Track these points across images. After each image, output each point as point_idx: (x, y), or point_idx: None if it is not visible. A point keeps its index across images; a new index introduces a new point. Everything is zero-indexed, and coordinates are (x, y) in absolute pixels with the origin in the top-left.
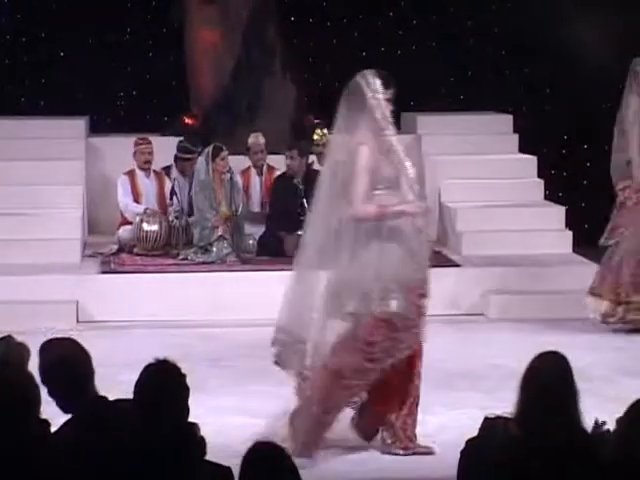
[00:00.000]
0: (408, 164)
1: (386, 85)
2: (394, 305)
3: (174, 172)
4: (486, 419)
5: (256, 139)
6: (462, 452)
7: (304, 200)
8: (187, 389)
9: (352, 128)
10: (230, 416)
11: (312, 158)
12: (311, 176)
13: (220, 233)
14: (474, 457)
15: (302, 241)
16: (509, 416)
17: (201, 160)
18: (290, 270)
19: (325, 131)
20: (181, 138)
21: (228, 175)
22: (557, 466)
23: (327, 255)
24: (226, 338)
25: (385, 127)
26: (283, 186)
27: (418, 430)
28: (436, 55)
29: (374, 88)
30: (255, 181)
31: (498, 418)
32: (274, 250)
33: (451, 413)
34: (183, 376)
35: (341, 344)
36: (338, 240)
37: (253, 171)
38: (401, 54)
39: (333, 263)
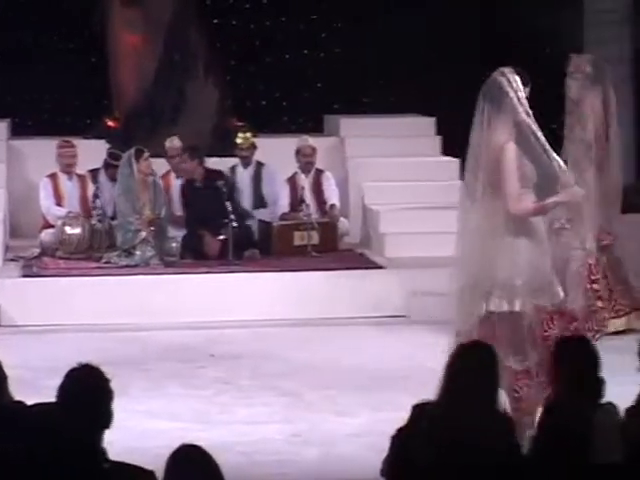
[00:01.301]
0: (557, 159)
1: (524, 82)
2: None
3: (102, 176)
4: (415, 406)
5: (172, 143)
6: (392, 437)
7: (226, 202)
8: (111, 393)
9: (492, 126)
10: (153, 420)
11: (236, 164)
12: (211, 177)
13: (143, 236)
14: (404, 441)
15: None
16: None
17: (123, 163)
18: (213, 273)
19: (248, 134)
20: (106, 142)
21: (151, 178)
22: (477, 450)
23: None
24: (149, 341)
25: (530, 123)
26: (195, 190)
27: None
28: (359, 58)
29: (515, 86)
30: (175, 184)
31: (426, 404)
32: (197, 251)
33: (375, 415)
34: (107, 380)
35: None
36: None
37: (172, 174)
38: (324, 57)
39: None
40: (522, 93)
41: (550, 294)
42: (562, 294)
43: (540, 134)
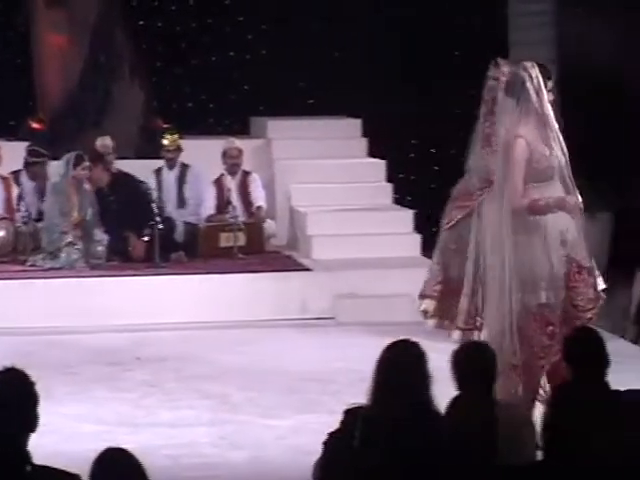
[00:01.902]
0: (564, 157)
1: (547, 77)
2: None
3: (23, 177)
4: (347, 410)
5: (104, 141)
6: (324, 443)
7: (152, 204)
8: (36, 397)
9: (514, 120)
10: (79, 423)
11: (161, 166)
12: (119, 181)
13: (70, 239)
14: (336, 447)
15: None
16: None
17: (60, 164)
18: (139, 275)
19: (175, 136)
20: (29, 143)
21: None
22: (408, 448)
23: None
24: (75, 345)
25: (549, 118)
26: (108, 194)
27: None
28: (285, 59)
29: (537, 81)
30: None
31: (359, 407)
32: (123, 254)
33: (301, 417)
34: (32, 384)
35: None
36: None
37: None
38: (250, 59)
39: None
40: (543, 87)
41: (535, 294)
42: (545, 298)
43: (558, 130)
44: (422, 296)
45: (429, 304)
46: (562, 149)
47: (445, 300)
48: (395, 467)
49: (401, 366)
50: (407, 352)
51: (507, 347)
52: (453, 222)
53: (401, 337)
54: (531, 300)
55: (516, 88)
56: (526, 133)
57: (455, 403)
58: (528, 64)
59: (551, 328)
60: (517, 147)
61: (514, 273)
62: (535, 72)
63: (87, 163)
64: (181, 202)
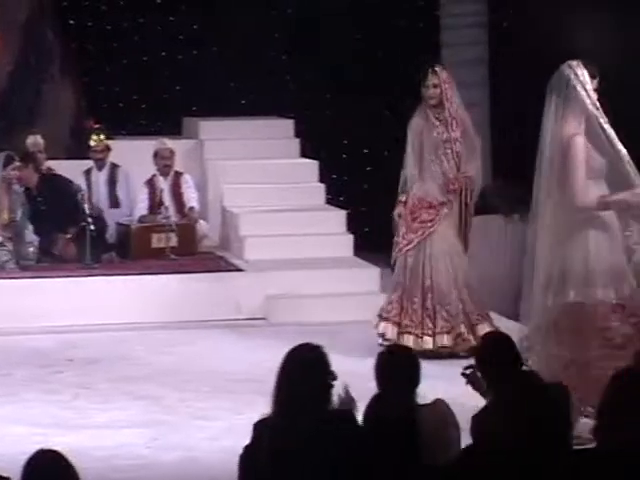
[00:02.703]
0: (624, 152)
1: (592, 75)
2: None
3: None
4: (257, 423)
5: (34, 140)
6: (240, 457)
7: (84, 205)
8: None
9: (560, 119)
10: (10, 425)
11: (90, 167)
12: (48, 181)
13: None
14: (251, 461)
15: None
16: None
17: None
18: (70, 276)
19: (102, 137)
20: None
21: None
22: (311, 449)
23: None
24: (6, 346)
25: (599, 116)
26: (36, 195)
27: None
28: (217, 60)
29: (583, 79)
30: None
31: (268, 418)
32: (54, 255)
33: (233, 418)
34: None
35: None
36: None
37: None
38: (182, 59)
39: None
40: (589, 85)
41: (617, 288)
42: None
43: (608, 127)
44: (380, 317)
45: (386, 327)
46: (614, 146)
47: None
48: (300, 476)
49: (301, 372)
50: (308, 357)
51: (550, 343)
52: (413, 244)
53: (322, 342)
54: (587, 296)
55: (562, 87)
56: (580, 131)
57: (374, 403)
58: (573, 63)
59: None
60: (577, 145)
61: (567, 269)
62: (581, 70)
63: (17, 163)
64: (113, 202)
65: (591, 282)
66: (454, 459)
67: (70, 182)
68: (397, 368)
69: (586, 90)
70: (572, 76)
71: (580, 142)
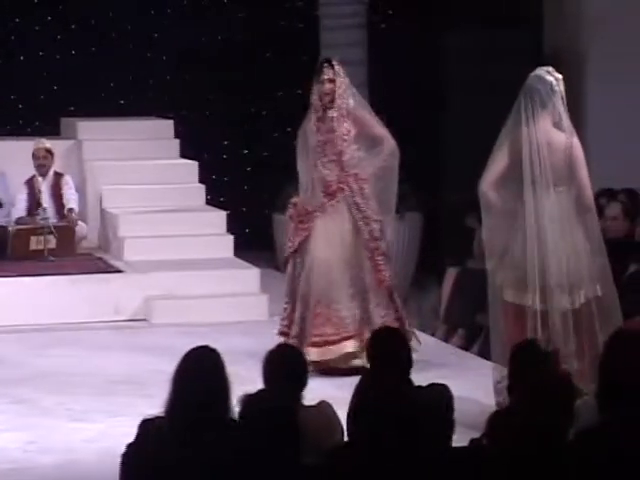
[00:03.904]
0: None
1: (557, 80)
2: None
3: None
4: (143, 421)
5: None
6: (122, 455)
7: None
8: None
9: (532, 121)
10: None
11: None
12: None
13: None
14: (133, 460)
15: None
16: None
17: None
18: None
19: None
20: None
21: None
22: (209, 459)
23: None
24: None
25: (563, 120)
26: None
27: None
28: (96, 60)
29: (561, 86)
30: None
31: (155, 418)
32: None
33: (111, 420)
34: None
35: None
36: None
37: None
38: (60, 58)
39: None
40: (557, 89)
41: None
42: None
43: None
44: (281, 333)
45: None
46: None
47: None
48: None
49: (195, 375)
50: (202, 360)
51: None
52: (294, 248)
53: (203, 343)
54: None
55: (542, 91)
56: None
57: (254, 399)
58: (551, 69)
59: None
60: (579, 146)
61: (576, 270)
62: (559, 77)
63: None
64: None
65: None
66: (326, 458)
67: None
68: (283, 366)
69: (562, 96)
70: (554, 82)
71: (579, 143)
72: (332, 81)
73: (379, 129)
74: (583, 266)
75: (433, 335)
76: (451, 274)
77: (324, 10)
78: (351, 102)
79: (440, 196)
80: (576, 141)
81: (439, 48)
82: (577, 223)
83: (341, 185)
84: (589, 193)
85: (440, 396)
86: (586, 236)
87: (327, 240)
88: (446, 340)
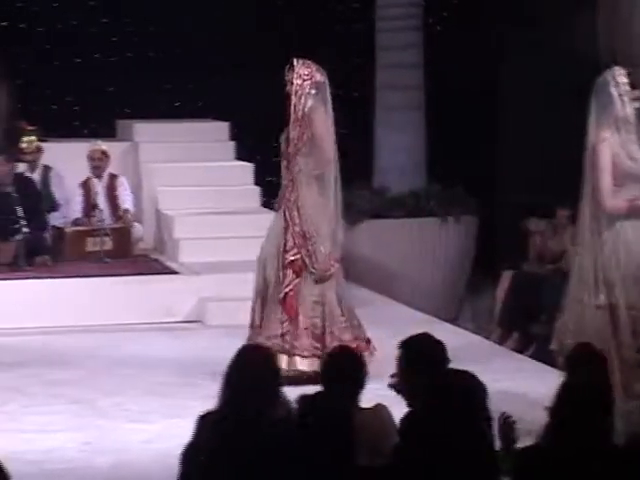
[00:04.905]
0: None
1: (632, 85)
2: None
3: None
4: (200, 417)
5: None
6: (182, 452)
7: (16, 207)
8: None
9: (594, 125)
10: None
11: (23, 167)
12: (22, 183)
13: None
14: (191, 455)
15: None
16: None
17: None
18: (2, 279)
19: (33, 137)
20: None
21: None
22: (248, 447)
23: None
24: None
25: (631, 125)
26: (7, 193)
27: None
28: (152, 62)
29: (623, 87)
30: None
31: (211, 413)
32: None
33: (167, 421)
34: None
35: None
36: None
37: None
38: (117, 61)
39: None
40: (629, 94)
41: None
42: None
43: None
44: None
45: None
46: None
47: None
48: (244, 471)
49: (246, 370)
50: (255, 357)
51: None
52: None
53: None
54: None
55: (601, 93)
56: (609, 136)
57: (312, 402)
58: (616, 70)
59: None
60: (603, 150)
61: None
62: (622, 79)
63: None
64: (48, 204)
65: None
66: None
67: (34, 185)
68: (341, 369)
69: (622, 98)
70: (612, 83)
71: (606, 146)
72: (292, 83)
73: (319, 139)
74: None
75: (488, 338)
76: (506, 277)
77: (379, 12)
78: (309, 103)
79: (496, 199)
80: (601, 146)
81: (494, 50)
82: None
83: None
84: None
85: (472, 385)
86: None
87: (268, 238)
88: (500, 343)
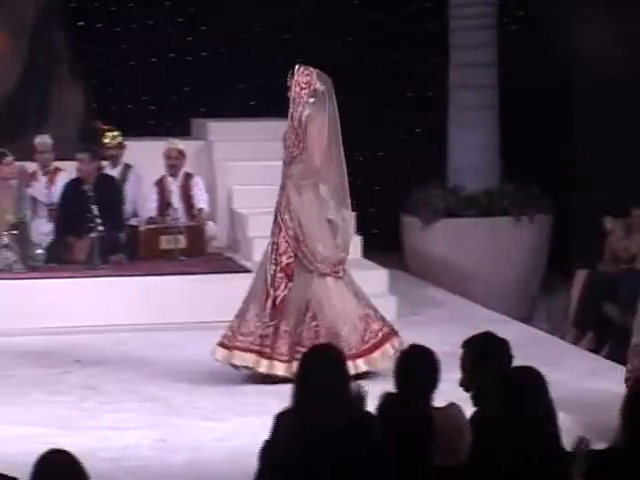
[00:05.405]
0: None
1: None
2: None
3: None
4: (277, 415)
5: (43, 139)
6: (260, 450)
7: (92, 206)
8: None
9: None
10: (16, 426)
11: (104, 163)
12: (104, 181)
13: (5, 241)
14: (268, 454)
15: None
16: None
17: None
18: (78, 277)
19: (116, 134)
20: None
21: (15, 182)
22: (331, 447)
23: None
24: (12, 347)
25: None
26: (72, 191)
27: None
28: (226, 61)
29: None
30: (41, 181)
31: (288, 412)
32: (64, 256)
33: (241, 419)
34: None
35: None
36: None
37: (39, 173)
38: (191, 60)
39: None
40: None
41: None
42: None
43: None
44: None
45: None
46: None
47: None
48: (322, 470)
49: (318, 369)
50: (323, 356)
51: None
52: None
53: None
54: None
55: None
56: None
57: (388, 401)
58: None
59: None
60: None
61: None
62: None
63: (10, 158)
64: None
65: None
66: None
67: (116, 185)
68: (417, 368)
69: None
70: None
71: None
72: (290, 90)
73: (310, 150)
74: None
75: (563, 338)
76: (581, 276)
77: (453, 11)
78: (306, 112)
79: (570, 198)
80: None
81: (571, 49)
82: None
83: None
84: None
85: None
86: None
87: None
88: (575, 343)
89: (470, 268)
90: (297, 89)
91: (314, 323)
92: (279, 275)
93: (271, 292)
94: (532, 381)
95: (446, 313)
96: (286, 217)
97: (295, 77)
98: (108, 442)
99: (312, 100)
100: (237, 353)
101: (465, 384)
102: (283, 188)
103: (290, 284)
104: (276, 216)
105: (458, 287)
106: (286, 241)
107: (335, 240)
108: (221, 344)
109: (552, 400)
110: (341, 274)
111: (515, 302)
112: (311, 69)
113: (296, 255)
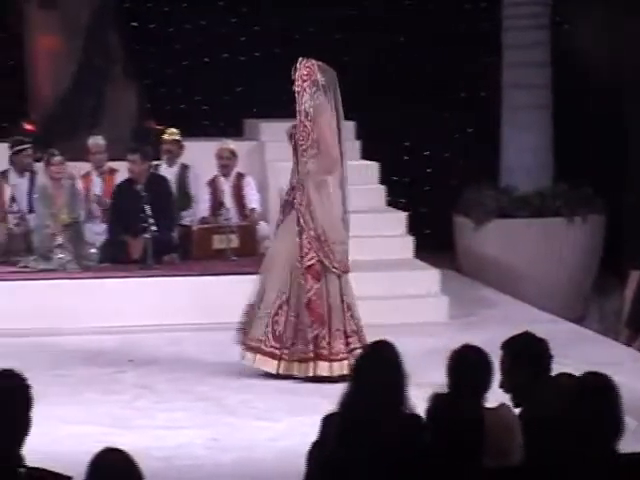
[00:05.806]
0: None
1: None
2: None
3: (12, 177)
4: (325, 417)
5: (96, 140)
6: (308, 452)
7: (145, 206)
8: (31, 400)
9: None
10: (71, 425)
11: (160, 162)
12: (155, 181)
13: (60, 241)
14: (317, 456)
15: None
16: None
17: (41, 166)
18: (131, 277)
19: (173, 130)
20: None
21: (69, 181)
22: (382, 448)
23: None
24: (67, 346)
25: None
26: (124, 191)
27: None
28: (279, 61)
29: None
30: (96, 182)
31: (336, 413)
32: (118, 256)
33: (293, 419)
34: (27, 387)
35: None
36: None
37: (94, 174)
38: (245, 60)
39: None
40: None
41: None
42: None
43: None
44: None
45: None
46: None
47: None
48: (372, 469)
49: (373, 370)
50: (379, 354)
51: None
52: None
53: (382, 338)
54: None
55: None
56: None
57: (440, 402)
58: None
59: None
60: None
61: None
62: None
63: (58, 157)
64: (180, 201)
65: None
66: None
67: (167, 185)
68: (470, 369)
69: None
70: None
71: None
72: (294, 84)
73: (323, 143)
74: None
75: (616, 339)
76: (634, 277)
77: (506, 11)
78: (310, 103)
79: (624, 198)
80: None
81: (624, 49)
82: None
83: (293, 194)
84: None
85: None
86: None
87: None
88: (628, 344)
89: (522, 269)
90: (299, 81)
91: (352, 319)
92: (307, 276)
93: (302, 295)
94: (604, 384)
95: (498, 314)
96: (308, 218)
97: (298, 70)
98: (161, 441)
99: (314, 90)
100: (295, 365)
101: (504, 385)
102: (300, 187)
103: (317, 285)
104: (297, 216)
105: (510, 287)
106: (309, 242)
107: (347, 238)
108: (271, 355)
109: (622, 409)
110: (350, 271)
111: (567, 303)
112: (313, 61)
113: (318, 255)
